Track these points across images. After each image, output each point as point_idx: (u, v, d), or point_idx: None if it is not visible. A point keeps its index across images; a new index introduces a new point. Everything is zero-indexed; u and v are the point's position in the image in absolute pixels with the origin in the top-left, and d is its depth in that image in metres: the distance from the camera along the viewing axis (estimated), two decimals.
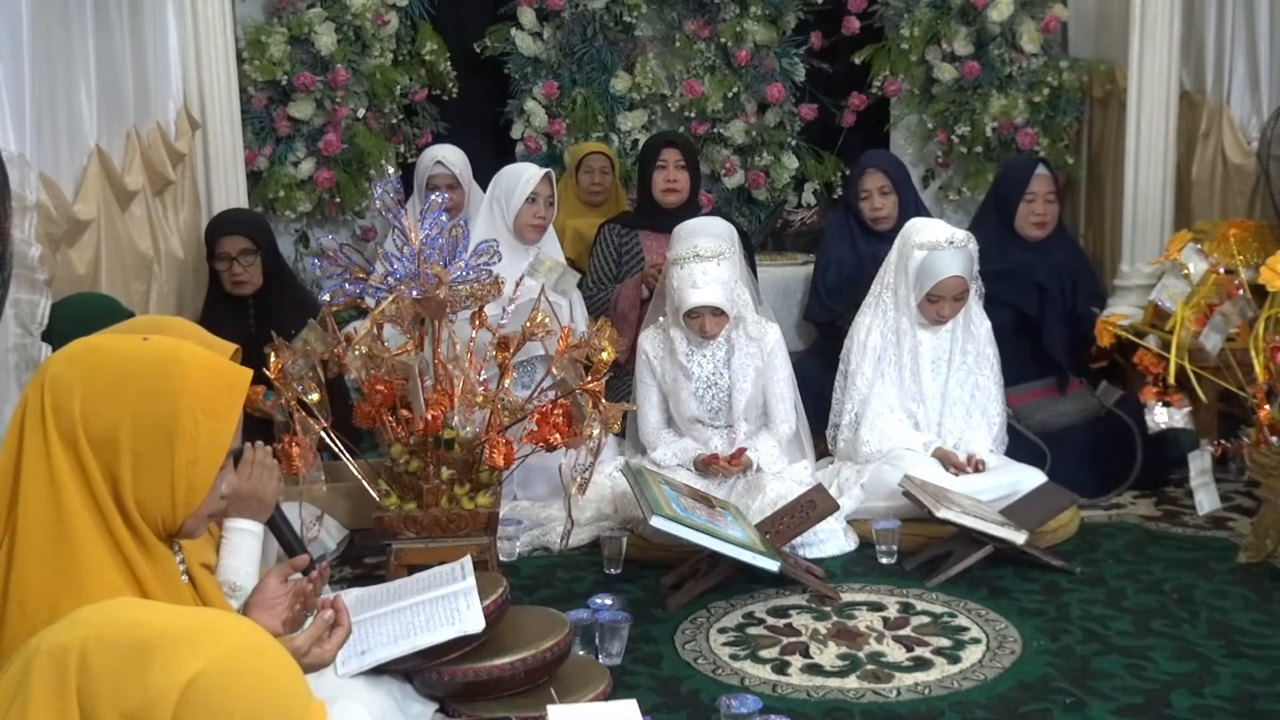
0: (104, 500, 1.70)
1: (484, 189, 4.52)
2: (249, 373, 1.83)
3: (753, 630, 3.15)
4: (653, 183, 4.73)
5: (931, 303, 3.85)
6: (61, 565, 1.68)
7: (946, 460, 3.82)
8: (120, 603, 1.26)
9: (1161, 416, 3.62)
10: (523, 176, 4.23)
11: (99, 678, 1.13)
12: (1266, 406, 3.34)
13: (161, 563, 1.78)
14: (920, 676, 2.88)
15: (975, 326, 3.96)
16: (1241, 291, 3.52)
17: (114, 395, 1.69)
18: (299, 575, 2.11)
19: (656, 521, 3.18)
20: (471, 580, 2.59)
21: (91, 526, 1.69)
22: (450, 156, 4.99)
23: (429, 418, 3.17)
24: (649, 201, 4.76)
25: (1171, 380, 3.57)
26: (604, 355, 3.27)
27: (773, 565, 3.24)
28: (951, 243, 3.82)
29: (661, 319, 3.95)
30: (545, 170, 4.28)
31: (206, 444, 1.73)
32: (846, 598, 3.32)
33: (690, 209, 4.67)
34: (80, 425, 1.67)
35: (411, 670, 2.53)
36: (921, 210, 4.59)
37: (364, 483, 3.31)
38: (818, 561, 3.54)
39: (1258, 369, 3.37)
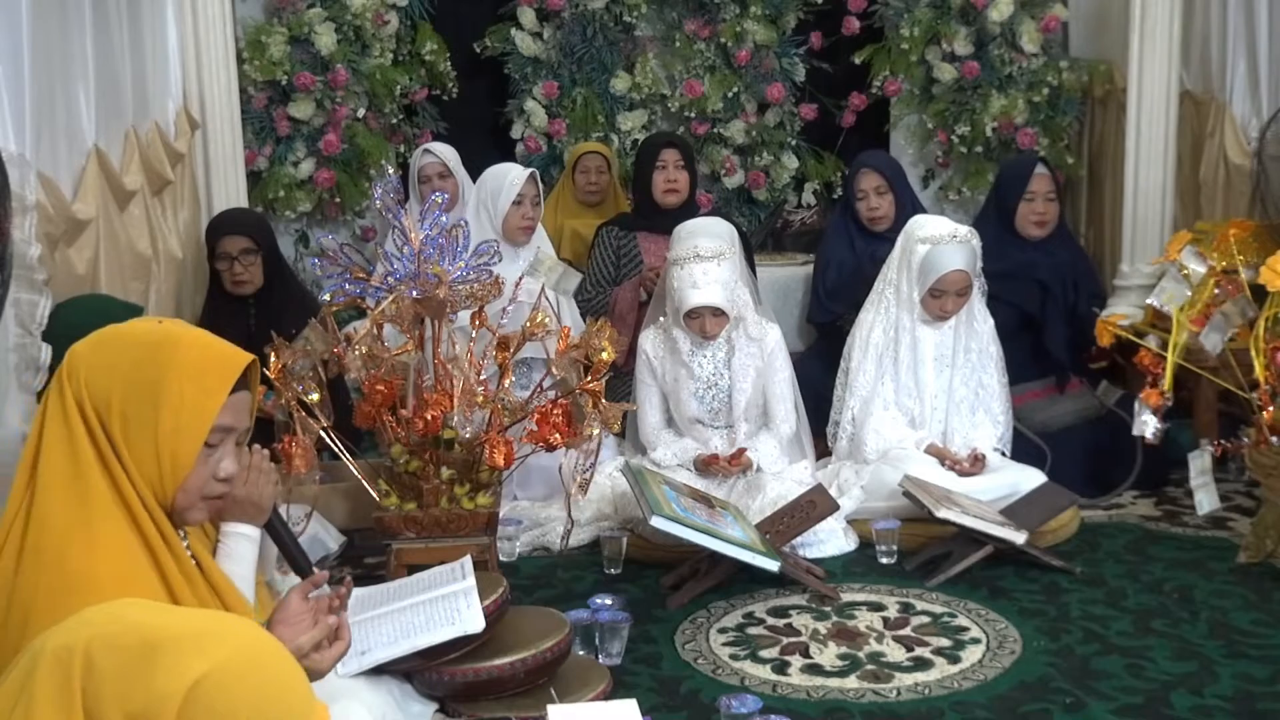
0: (112, 463, 1.81)
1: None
2: (248, 356, 1.92)
3: (753, 630, 3.15)
4: (653, 183, 4.73)
5: (934, 298, 3.85)
6: (74, 510, 1.79)
7: (941, 456, 3.82)
8: (126, 603, 1.27)
9: (1150, 427, 3.61)
10: (507, 179, 4.23)
11: (104, 678, 1.14)
12: (1270, 408, 3.34)
13: (170, 537, 1.86)
14: (920, 676, 2.88)
15: (978, 324, 3.96)
16: (1240, 292, 3.52)
17: (113, 362, 1.83)
18: (322, 590, 2.11)
19: (656, 521, 3.18)
20: (471, 580, 2.59)
21: (104, 483, 1.81)
22: (437, 147, 5.07)
23: (428, 418, 3.17)
24: (648, 202, 4.76)
25: (1169, 386, 3.57)
26: (604, 355, 3.27)
27: (773, 565, 3.24)
28: (955, 237, 3.83)
29: (662, 319, 3.95)
30: (529, 170, 4.28)
31: (190, 413, 1.83)
32: (846, 598, 3.32)
33: (689, 210, 4.68)
34: (85, 389, 1.82)
35: (411, 670, 2.52)
36: (919, 209, 4.59)
37: (364, 483, 3.31)
38: (818, 561, 3.54)
39: (1258, 370, 3.37)
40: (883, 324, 3.96)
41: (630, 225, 4.77)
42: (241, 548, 2.47)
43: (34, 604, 1.75)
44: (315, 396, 3.18)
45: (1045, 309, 4.38)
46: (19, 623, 1.75)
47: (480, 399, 3.24)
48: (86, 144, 3.57)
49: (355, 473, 3.35)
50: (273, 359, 3.14)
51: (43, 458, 1.82)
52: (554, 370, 3.29)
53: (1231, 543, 3.61)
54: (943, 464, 3.80)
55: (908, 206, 4.57)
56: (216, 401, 1.85)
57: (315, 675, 1.98)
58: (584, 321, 4.15)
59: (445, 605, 2.53)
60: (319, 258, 3.44)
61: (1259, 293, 3.44)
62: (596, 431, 3.21)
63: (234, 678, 1.14)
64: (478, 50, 5.75)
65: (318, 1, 5.37)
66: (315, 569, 2.66)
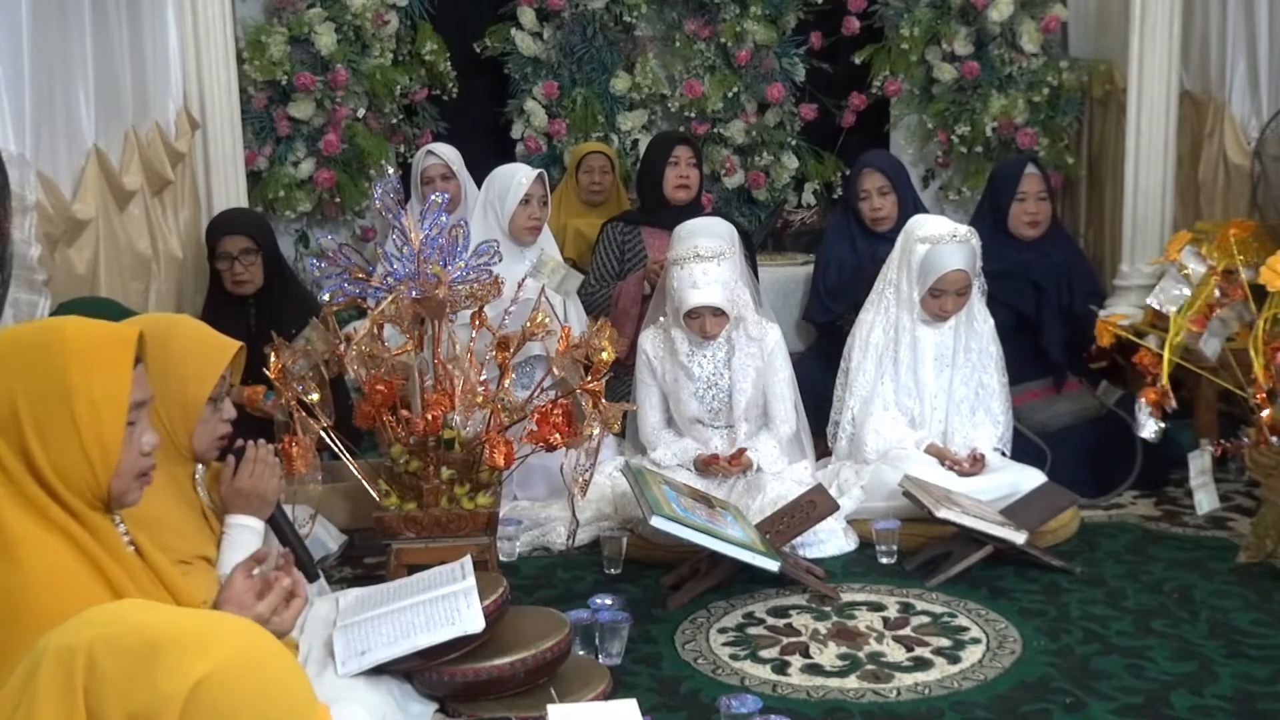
0: (22, 479, 1.74)
1: (480, 188, 4.53)
2: (135, 331, 1.86)
3: (753, 630, 3.15)
4: (665, 179, 4.73)
5: (934, 298, 3.85)
6: None
7: (941, 456, 3.82)
8: (128, 604, 1.27)
9: (1149, 428, 3.62)
10: (515, 179, 4.24)
11: (106, 679, 1.14)
12: (1269, 409, 3.34)
13: (101, 532, 1.81)
14: (920, 676, 2.88)
15: (979, 324, 3.96)
16: (1241, 294, 3.51)
17: (4, 372, 1.75)
18: (265, 568, 2.10)
19: (656, 521, 3.18)
20: (471, 580, 2.59)
21: (14, 505, 1.74)
22: (441, 148, 5.06)
23: (429, 418, 3.17)
24: (656, 197, 4.76)
25: (1165, 383, 3.57)
26: (604, 355, 3.27)
27: (773, 565, 3.24)
28: (954, 236, 3.83)
29: (662, 319, 3.95)
30: (537, 171, 4.29)
31: (104, 397, 1.77)
32: (846, 598, 3.32)
33: (695, 207, 4.70)
34: None
35: (411, 670, 2.52)
36: (921, 209, 4.59)
37: (364, 483, 3.31)
38: (818, 561, 3.54)
39: (1257, 369, 3.37)
40: (882, 324, 3.96)
41: (635, 220, 4.79)
42: (245, 538, 2.49)
43: None
44: (315, 396, 3.18)
45: (1040, 309, 4.38)
46: None
47: (480, 399, 3.24)
48: (86, 144, 3.57)
49: (355, 473, 3.35)
50: (273, 359, 3.14)
51: None
52: (554, 370, 3.29)
53: (1231, 543, 3.61)
54: (943, 464, 3.80)
55: (910, 207, 4.57)
56: (125, 381, 1.80)
57: (280, 635, 1.98)
58: (587, 320, 4.16)
59: (445, 605, 2.53)
60: (319, 258, 3.44)
61: (1259, 293, 3.44)
62: (597, 431, 3.21)
63: (236, 678, 1.15)
64: (478, 50, 5.75)
65: (318, 1, 5.37)
66: (318, 567, 2.67)
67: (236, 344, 2.46)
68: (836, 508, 3.52)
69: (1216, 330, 3.49)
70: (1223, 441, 3.57)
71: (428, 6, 5.63)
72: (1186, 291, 3.62)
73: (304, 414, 3.15)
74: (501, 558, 3.45)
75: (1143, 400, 3.65)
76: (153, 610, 1.23)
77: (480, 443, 3.22)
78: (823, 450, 4.11)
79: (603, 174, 5.25)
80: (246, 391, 3.63)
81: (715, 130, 5.73)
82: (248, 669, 1.16)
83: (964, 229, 3.88)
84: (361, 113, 5.49)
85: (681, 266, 3.77)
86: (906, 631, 3.13)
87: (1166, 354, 3.57)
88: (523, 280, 3.65)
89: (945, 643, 3.05)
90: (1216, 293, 3.55)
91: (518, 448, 3.24)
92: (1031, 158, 4.79)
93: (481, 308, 3.33)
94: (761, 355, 3.88)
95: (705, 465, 3.81)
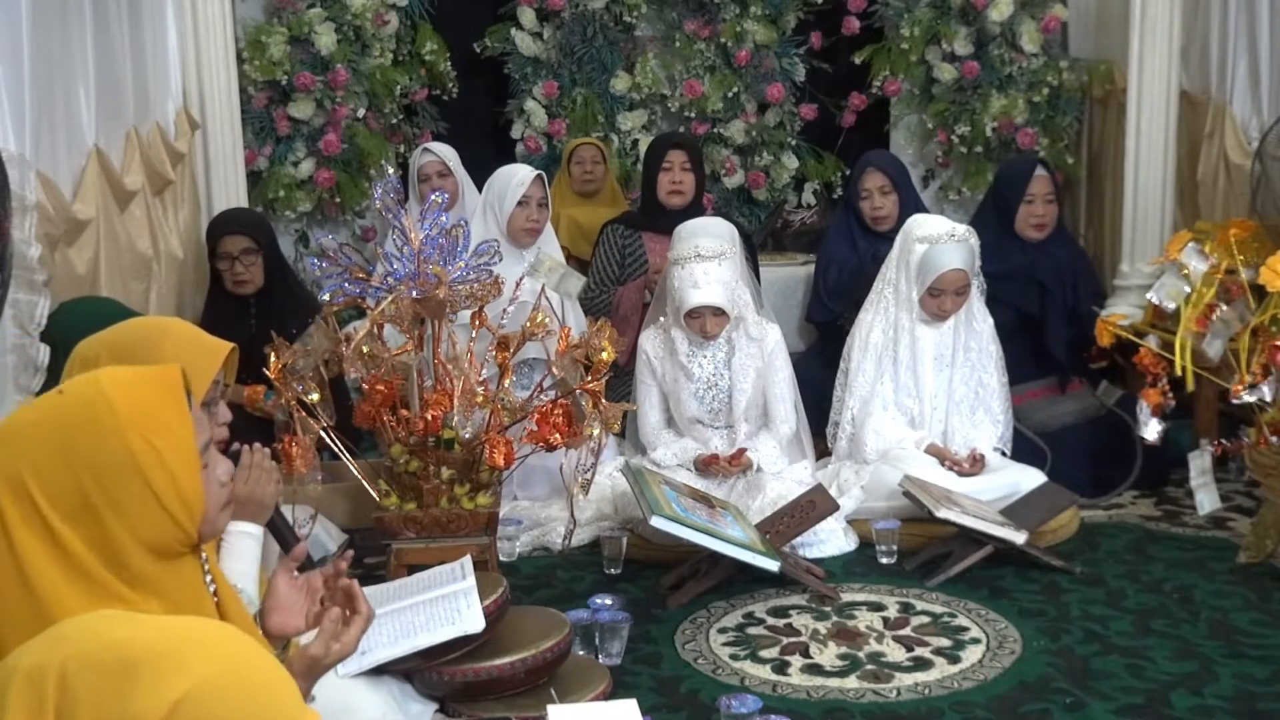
0: (91, 569, 1.56)
1: (481, 189, 4.53)
2: (177, 368, 1.71)
3: (753, 630, 3.15)
4: (658, 184, 4.71)
5: (933, 297, 3.85)
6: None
7: (941, 456, 3.82)
8: (104, 616, 1.19)
9: (1150, 429, 3.63)
10: (513, 180, 4.23)
11: (79, 700, 1.08)
12: (1238, 386, 3.33)
13: (180, 592, 1.66)
14: (920, 676, 2.88)
15: (978, 323, 3.96)
16: (1242, 294, 3.51)
17: (64, 460, 1.56)
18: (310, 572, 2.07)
19: (656, 521, 3.18)
20: (471, 580, 2.59)
21: (70, 589, 1.54)
22: (437, 146, 5.07)
23: (428, 418, 3.17)
24: (653, 202, 4.75)
25: (1182, 373, 3.56)
26: (604, 355, 3.27)
27: (773, 565, 3.24)
28: (953, 236, 3.83)
29: (662, 319, 3.95)
30: (536, 172, 4.27)
31: (175, 458, 1.62)
32: (846, 598, 3.32)
33: (694, 210, 4.65)
34: (45, 502, 1.53)
35: (411, 670, 2.52)
36: (922, 210, 4.59)
37: (364, 483, 3.31)
38: (818, 561, 3.54)
39: (1243, 370, 3.36)
40: (882, 324, 3.96)
41: (635, 224, 4.77)
42: (244, 545, 2.48)
43: None
44: (315, 396, 3.18)
45: (1045, 309, 4.38)
46: None
47: (480, 399, 3.24)
48: (86, 144, 3.56)
49: (355, 473, 3.35)
50: (273, 359, 3.14)
51: (35, 580, 1.52)
52: (554, 370, 3.29)
53: (1231, 543, 3.61)
54: (943, 464, 3.80)
55: (911, 207, 4.57)
56: (186, 429, 1.64)
57: (344, 658, 1.90)
58: (586, 321, 4.15)
59: (445, 605, 2.53)
60: (319, 258, 3.44)
61: (1259, 293, 3.44)
62: (598, 431, 3.21)
63: (218, 694, 1.09)
64: (478, 50, 5.75)
65: (318, 1, 5.37)
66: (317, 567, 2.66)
67: (228, 346, 2.43)
68: (836, 508, 3.52)
69: (1219, 331, 3.49)
70: (1223, 441, 3.57)
71: (428, 6, 5.62)
72: (1186, 288, 3.62)
73: (304, 414, 3.15)
74: (501, 558, 3.45)
75: (1143, 401, 3.65)
76: (131, 623, 1.16)
77: (480, 443, 3.22)
78: (823, 450, 4.11)
79: (594, 164, 5.29)
80: (247, 391, 3.64)
81: (715, 130, 5.73)
82: (230, 683, 1.10)
83: (962, 228, 3.88)
84: (361, 113, 5.49)
85: (682, 266, 3.77)
86: (906, 631, 3.13)
87: (1179, 354, 3.56)
88: (520, 280, 3.65)
89: (945, 643, 3.05)
90: (1220, 302, 3.55)
91: (518, 448, 3.24)
92: (1040, 159, 4.79)
93: (482, 308, 3.33)
94: (761, 355, 3.88)
95: (705, 465, 3.81)
